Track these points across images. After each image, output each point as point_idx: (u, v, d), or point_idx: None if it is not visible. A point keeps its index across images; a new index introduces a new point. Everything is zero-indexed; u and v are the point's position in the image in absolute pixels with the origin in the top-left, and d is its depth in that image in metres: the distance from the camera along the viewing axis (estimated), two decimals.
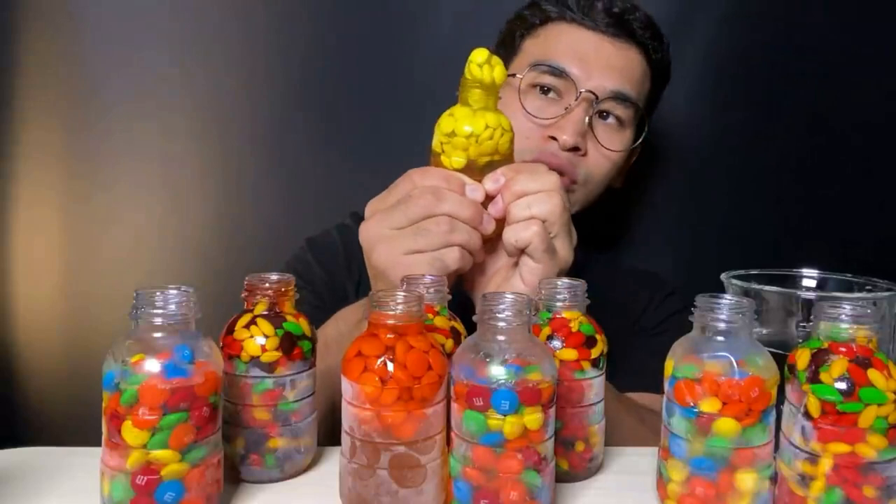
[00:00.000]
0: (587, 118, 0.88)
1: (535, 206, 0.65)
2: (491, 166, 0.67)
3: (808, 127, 1.14)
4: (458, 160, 0.66)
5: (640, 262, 1.14)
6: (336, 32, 1.16)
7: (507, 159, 0.68)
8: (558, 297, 0.59)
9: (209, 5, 1.16)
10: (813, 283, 0.67)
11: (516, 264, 0.67)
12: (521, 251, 0.66)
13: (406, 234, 0.64)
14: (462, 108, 0.67)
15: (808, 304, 0.57)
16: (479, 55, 0.65)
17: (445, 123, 0.67)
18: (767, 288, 0.60)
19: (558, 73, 0.89)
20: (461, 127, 0.65)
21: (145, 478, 0.47)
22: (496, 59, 0.66)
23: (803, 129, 1.15)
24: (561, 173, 0.84)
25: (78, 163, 1.17)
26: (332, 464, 0.58)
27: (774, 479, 0.52)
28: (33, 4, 1.15)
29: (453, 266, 0.64)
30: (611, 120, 0.91)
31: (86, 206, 1.17)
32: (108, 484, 0.48)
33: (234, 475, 0.57)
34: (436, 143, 0.68)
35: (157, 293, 0.50)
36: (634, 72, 0.92)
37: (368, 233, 0.66)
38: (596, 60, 0.89)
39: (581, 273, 0.96)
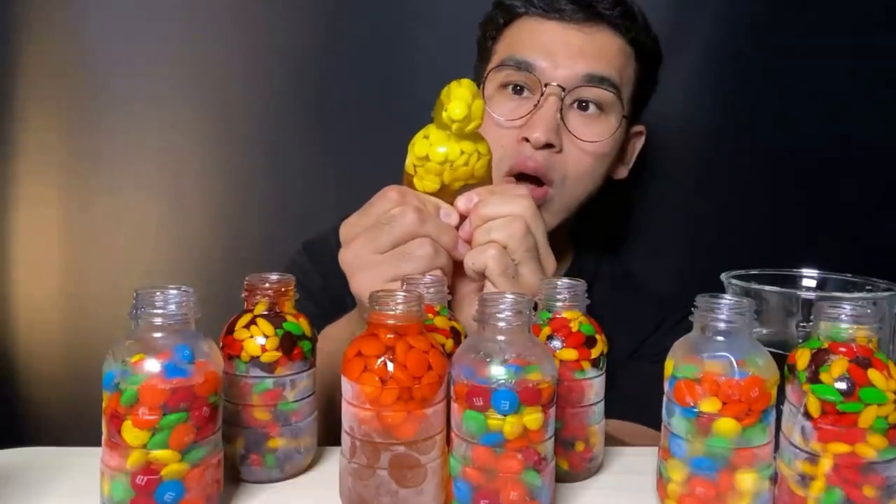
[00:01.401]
0: (558, 112, 0.83)
1: (495, 231, 0.63)
2: (466, 188, 0.65)
3: (808, 127, 1.14)
4: (431, 184, 0.64)
5: (639, 261, 1.14)
6: (337, 35, 1.16)
7: (483, 182, 0.66)
8: (558, 297, 0.59)
9: (210, 7, 1.16)
10: (813, 283, 0.67)
11: (482, 288, 0.66)
12: (483, 275, 0.64)
13: (389, 259, 0.62)
14: (437, 132, 0.64)
15: (808, 304, 0.57)
16: (456, 106, 0.62)
17: (419, 146, 0.64)
18: (767, 288, 0.60)
19: (523, 67, 0.85)
20: (435, 151, 0.63)
21: (145, 478, 0.47)
22: (475, 96, 0.63)
23: (804, 130, 1.15)
24: (539, 178, 0.83)
25: (78, 163, 1.17)
26: (332, 464, 0.58)
27: (774, 479, 0.52)
28: (34, 4, 1.15)
29: None
30: (591, 109, 0.86)
31: (86, 206, 1.17)
32: (108, 484, 0.48)
33: (234, 475, 0.57)
34: (409, 164, 0.65)
35: (157, 293, 0.50)
36: (610, 53, 0.87)
37: (349, 258, 0.64)
38: (563, 49, 0.85)
39: (591, 283, 0.93)
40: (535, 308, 0.56)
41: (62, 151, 1.17)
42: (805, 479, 0.50)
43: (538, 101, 0.84)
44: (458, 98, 0.62)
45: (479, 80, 0.90)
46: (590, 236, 1.01)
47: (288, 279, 0.59)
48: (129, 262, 1.19)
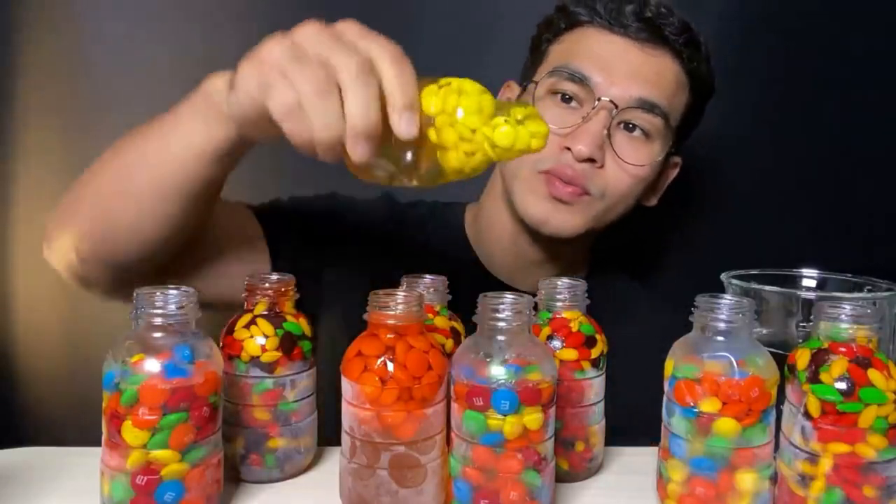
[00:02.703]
0: (606, 129, 0.81)
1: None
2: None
3: (808, 126, 1.14)
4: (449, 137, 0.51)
5: (638, 261, 1.13)
6: None
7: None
8: (558, 297, 0.59)
9: (211, 7, 1.16)
10: (813, 283, 0.67)
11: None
12: None
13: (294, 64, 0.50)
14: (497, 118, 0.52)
15: (808, 304, 0.57)
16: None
17: (470, 103, 0.51)
18: (767, 288, 0.60)
19: (578, 79, 0.82)
20: (478, 121, 0.51)
21: (145, 478, 0.47)
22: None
23: (804, 129, 1.15)
24: (574, 185, 0.81)
25: (78, 163, 1.17)
26: (332, 464, 0.58)
27: (774, 479, 0.52)
28: (34, 4, 1.15)
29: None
30: (636, 132, 0.83)
31: None
32: (108, 484, 0.48)
33: (234, 475, 0.57)
34: (439, 104, 0.51)
35: (157, 293, 0.50)
36: (666, 80, 0.84)
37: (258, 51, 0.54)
38: (621, 66, 0.82)
39: (626, 305, 0.87)
40: (536, 308, 0.56)
41: (62, 151, 1.17)
42: (805, 479, 0.50)
43: (587, 114, 0.81)
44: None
45: (527, 77, 0.89)
46: (607, 254, 1.00)
47: (288, 279, 0.59)
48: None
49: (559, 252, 0.89)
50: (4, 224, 1.17)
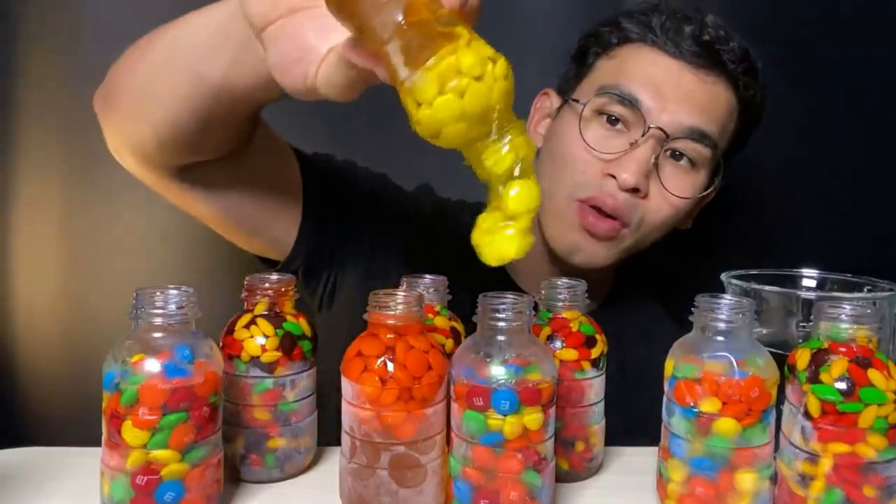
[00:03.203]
0: (654, 157, 0.77)
1: None
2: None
3: (808, 126, 1.14)
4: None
5: (638, 261, 1.13)
6: None
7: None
8: (558, 297, 0.59)
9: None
10: (813, 283, 0.67)
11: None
12: None
13: None
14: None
15: (808, 304, 0.57)
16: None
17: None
18: (767, 288, 0.60)
19: (628, 102, 0.78)
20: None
21: (145, 478, 0.47)
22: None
23: (805, 128, 1.15)
24: (614, 218, 0.78)
25: (78, 162, 1.17)
26: (332, 464, 0.58)
27: (774, 479, 0.52)
28: (34, 4, 1.15)
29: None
30: (683, 161, 0.79)
31: (86, 206, 1.17)
32: (108, 484, 0.48)
33: (234, 475, 0.57)
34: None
35: (157, 293, 0.50)
36: (719, 108, 0.80)
37: None
38: (674, 91, 0.78)
39: (648, 327, 0.85)
40: (536, 308, 0.56)
41: (62, 151, 1.17)
42: (805, 479, 0.50)
43: (636, 141, 0.77)
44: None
45: (568, 89, 0.85)
46: (630, 274, 0.97)
47: (288, 279, 0.59)
48: (130, 262, 1.19)
49: (584, 273, 0.82)
50: (4, 224, 1.17)
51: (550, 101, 0.88)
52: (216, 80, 0.59)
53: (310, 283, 0.81)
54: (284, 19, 0.47)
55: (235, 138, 0.68)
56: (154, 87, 0.64)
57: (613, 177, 0.77)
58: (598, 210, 0.78)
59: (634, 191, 0.77)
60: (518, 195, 0.43)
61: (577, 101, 0.81)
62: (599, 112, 0.80)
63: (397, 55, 0.40)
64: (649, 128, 0.76)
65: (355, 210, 0.83)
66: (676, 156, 0.79)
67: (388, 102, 0.48)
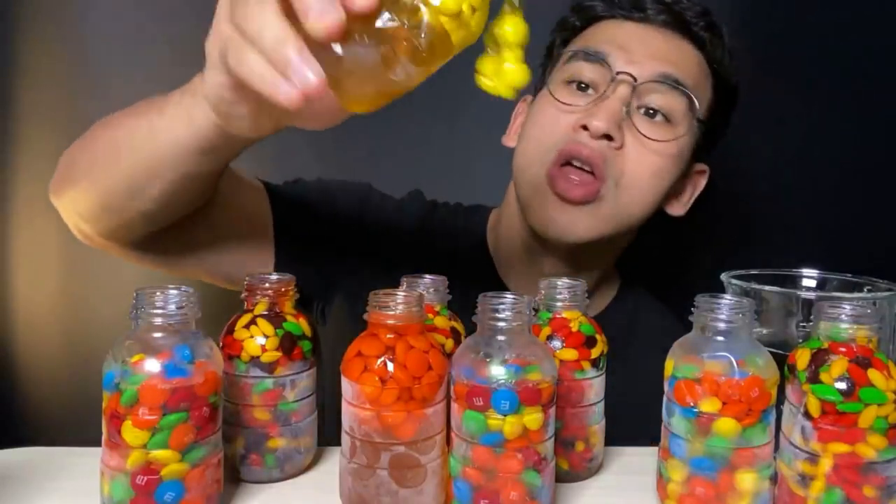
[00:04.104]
0: (625, 106, 0.75)
1: None
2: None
3: (808, 126, 1.14)
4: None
5: (638, 261, 1.13)
6: None
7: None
8: (558, 297, 0.59)
9: (213, 5, 1.15)
10: (813, 283, 0.67)
11: None
12: None
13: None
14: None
15: (808, 304, 0.57)
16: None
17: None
18: (767, 288, 0.60)
19: (593, 57, 0.77)
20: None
21: (145, 478, 0.47)
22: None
23: (805, 128, 1.15)
24: (591, 171, 0.75)
25: None
26: (332, 464, 0.58)
27: (774, 479, 0.52)
28: (34, 4, 1.15)
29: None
30: (658, 118, 0.77)
31: None
32: (108, 484, 0.48)
33: (234, 475, 0.57)
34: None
35: (157, 293, 0.50)
36: (688, 63, 0.79)
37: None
38: (640, 48, 0.77)
39: (655, 333, 0.80)
40: (536, 308, 0.56)
41: (61, 151, 1.17)
42: (805, 479, 0.50)
43: (605, 90, 0.76)
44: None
45: (540, 82, 0.84)
46: (635, 276, 0.96)
47: (288, 279, 0.59)
48: (130, 262, 1.19)
49: (578, 265, 0.83)
50: (4, 224, 1.17)
51: (527, 105, 0.87)
52: (195, 169, 0.61)
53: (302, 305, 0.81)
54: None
55: (204, 197, 0.69)
56: (125, 185, 0.63)
57: (586, 128, 0.75)
58: (571, 166, 0.75)
59: (608, 139, 0.75)
60: (513, 28, 0.50)
61: (545, 84, 0.81)
62: (569, 80, 0.79)
63: None
64: (617, 73, 0.76)
65: (334, 230, 0.82)
66: (651, 113, 0.77)
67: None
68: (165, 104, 0.59)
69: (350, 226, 0.83)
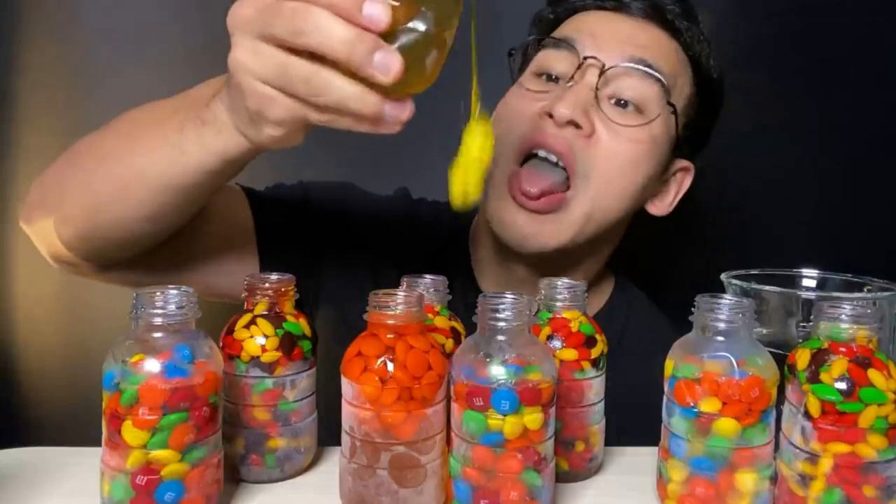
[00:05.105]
0: (593, 91, 0.71)
1: None
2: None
3: (809, 126, 1.14)
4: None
5: (638, 261, 1.13)
6: None
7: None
8: (558, 297, 0.59)
9: (214, 6, 1.15)
10: (813, 283, 0.67)
11: None
12: None
13: (274, 60, 0.47)
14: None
15: (808, 304, 0.57)
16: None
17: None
18: (767, 288, 0.60)
19: (562, 44, 0.74)
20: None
21: (145, 478, 0.47)
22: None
23: (805, 128, 1.15)
24: (557, 160, 0.71)
25: None
26: (332, 464, 0.58)
27: (774, 479, 0.52)
28: (34, 4, 1.15)
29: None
30: (630, 108, 0.73)
31: None
32: (108, 484, 0.48)
33: (234, 475, 0.57)
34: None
35: (157, 293, 0.50)
36: (662, 49, 0.75)
37: (236, 19, 0.48)
38: (611, 34, 0.74)
39: (654, 339, 0.74)
40: (536, 311, 0.56)
41: (61, 150, 1.17)
42: (805, 479, 0.50)
43: (573, 75, 0.72)
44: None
45: (521, 64, 0.83)
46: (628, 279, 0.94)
47: (289, 279, 0.59)
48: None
49: (552, 273, 0.72)
50: (4, 224, 1.17)
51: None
52: (205, 190, 0.60)
53: None
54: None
55: (196, 212, 0.66)
56: (116, 207, 0.61)
57: (551, 115, 0.71)
58: (537, 158, 0.72)
59: (575, 126, 0.70)
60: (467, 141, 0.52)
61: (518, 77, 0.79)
62: (537, 73, 0.77)
63: None
64: (585, 58, 0.72)
65: (318, 232, 0.80)
66: (622, 104, 0.73)
67: None
68: (164, 132, 0.57)
69: (334, 227, 0.82)
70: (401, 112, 0.48)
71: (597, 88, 0.72)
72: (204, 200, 0.64)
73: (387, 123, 0.48)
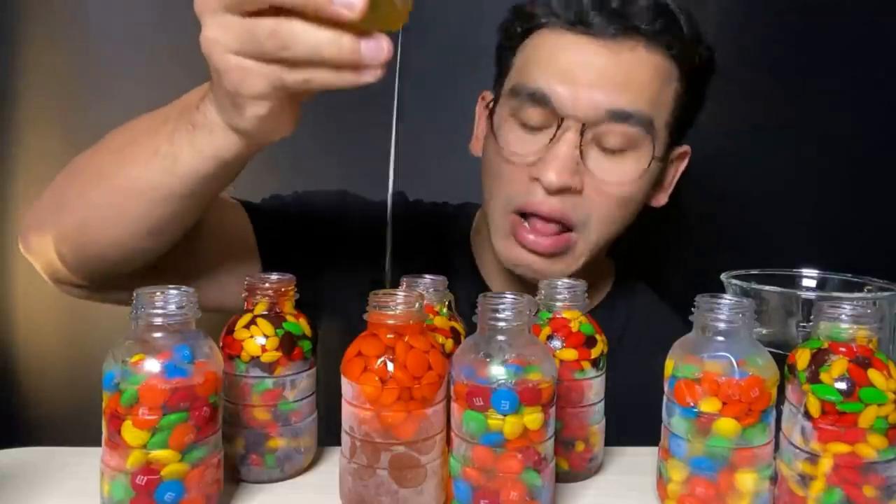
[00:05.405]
0: (577, 149, 0.71)
1: None
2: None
3: (809, 125, 1.14)
4: None
5: (638, 261, 1.13)
6: None
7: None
8: (558, 297, 0.59)
9: None
10: (813, 283, 0.67)
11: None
12: None
13: (239, 26, 0.47)
14: None
15: (808, 304, 0.57)
16: None
17: None
18: (767, 288, 0.60)
19: (538, 98, 0.72)
20: None
21: (145, 478, 0.47)
22: None
23: (805, 128, 1.15)
24: (553, 221, 0.73)
25: None
26: (332, 464, 0.58)
27: (774, 479, 0.52)
28: (34, 4, 1.15)
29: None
30: (613, 145, 0.73)
31: None
32: (108, 484, 0.48)
33: (234, 475, 0.57)
34: None
35: (157, 293, 0.50)
36: (640, 79, 0.72)
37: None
38: (585, 73, 0.71)
39: (656, 333, 0.74)
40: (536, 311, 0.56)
41: (62, 151, 1.17)
42: (805, 479, 0.50)
43: (554, 135, 0.72)
44: None
45: (497, 93, 0.80)
46: (631, 272, 0.95)
47: (289, 279, 0.59)
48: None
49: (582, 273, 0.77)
50: (5, 224, 1.17)
51: (487, 100, 0.83)
52: (203, 198, 0.60)
53: None
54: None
55: (192, 224, 0.65)
56: (115, 223, 0.61)
57: (539, 180, 0.72)
58: (537, 217, 0.73)
59: (566, 190, 0.72)
60: None
61: (496, 105, 0.78)
62: (515, 117, 0.75)
63: None
64: (563, 119, 0.71)
65: (317, 241, 0.81)
66: (606, 150, 0.73)
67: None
68: (156, 142, 0.57)
69: (333, 234, 0.83)
70: (378, 51, 0.45)
71: (580, 143, 0.72)
72: (202, 209, 0.63)
73: (367, 68, 0.46)
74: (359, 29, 0.45)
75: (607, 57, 0.72)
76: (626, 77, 0.72)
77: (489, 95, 0.83)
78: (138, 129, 0.62)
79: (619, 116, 0.72)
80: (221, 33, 0.48)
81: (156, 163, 0.57)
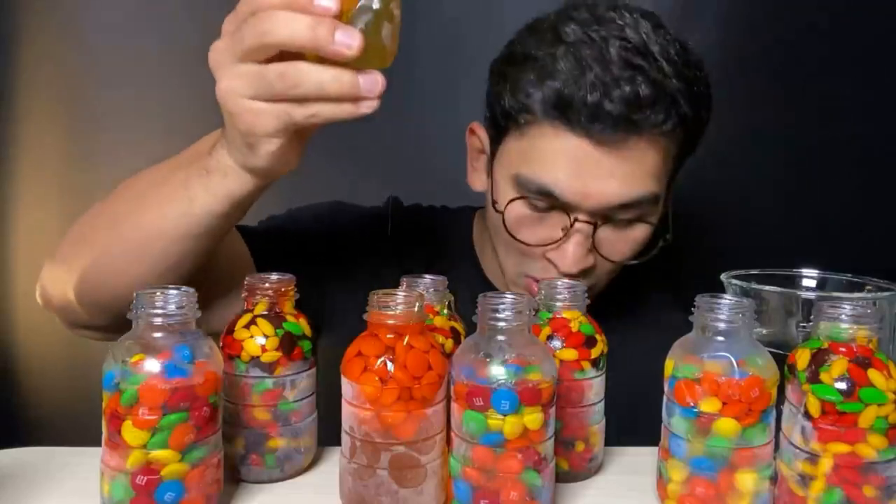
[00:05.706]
0: (590, 238, 0.74)
1: None
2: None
3: (809, 126, 1.14)
4: None
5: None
6: None
7: None
8: (558, 297, 0.59)
9: (215, 7, 1.15)
10: (813, 283, 0.67)
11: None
12: None
13: (251, 73, 0.52)
14: None
15: (808, 304, 0.57)
16: None
17: None
18: (767, 288, 0.60)
19: (545, 194, 0.73)
20: None
21: (145, 478, 0.47)
22: None
23: (805, 128, 1.15)
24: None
25: (78, 163, 1.17)
26: (332, 464, 0.58)
27: (774, 479, 0.52)
28: (34, 4, 1.15)
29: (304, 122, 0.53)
30: (622, 222, 0.75)
31: (86, 205, 1.17)
32: (108, 484, 0.48)
33: (234, 475, 0.57)
34: None
35: (157, 293, 0.50)
36: (649, 164, 0.72)
37: (212, 56, 0.55)
38: (594, 171, 0.71)
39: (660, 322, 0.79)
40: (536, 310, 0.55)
41: (62, 151, 1.17)
42: (805, 479, 0.50)
43: (567, 231, 0.73)
44: None
45: (492, 141, 0.79)
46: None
47: (289, 279, 0.59)
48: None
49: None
50: (4, 224, 1.17)
51: (478, 135, 0.83)
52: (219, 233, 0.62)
53: None
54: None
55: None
56: (134, 267, 0.63)
57: (554, 263, 0.75)
58: None
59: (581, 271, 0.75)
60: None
61: (493, 158, 0.78)
62: (522, 199, 0.75)
63: None
64: (575, 220, 0.72)
65: (313, 257, 0.81)
66: (614, 223, 0.75)
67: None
68: (171, 188, 0.61)
69: (328, 246, 0.84)
70: (374, 84, 0.51)
71: (593, 233, 0.74)
72: (216, 244, 0.65)
73: (365, 100, 0.52)
74: (354, 67, 0.51)
75: (615, 156, 0.71)
76: (633, 169, 0.72)
77: (479, 129, 0.82)
78: (148, 181, 0.66)
79: (630, 204, 0.73)
80: (236, 83, 0.53)
81: (172, 207, 0.60)
